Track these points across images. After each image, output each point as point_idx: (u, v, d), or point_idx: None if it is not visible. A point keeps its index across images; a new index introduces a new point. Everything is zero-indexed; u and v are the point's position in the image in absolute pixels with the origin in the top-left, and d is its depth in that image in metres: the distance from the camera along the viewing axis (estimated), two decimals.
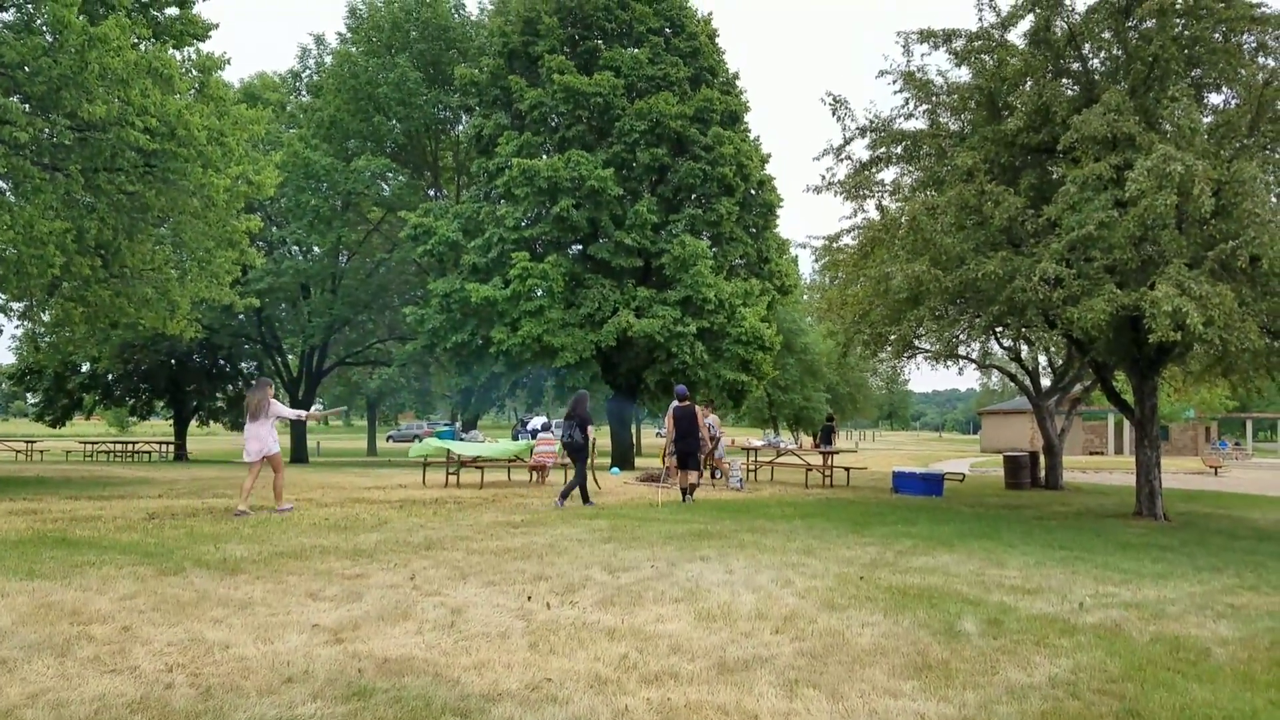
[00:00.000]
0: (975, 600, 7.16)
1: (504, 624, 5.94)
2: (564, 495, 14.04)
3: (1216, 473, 32.92)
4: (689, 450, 15.24)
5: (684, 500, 15.09)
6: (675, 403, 15.50)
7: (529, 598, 6.74)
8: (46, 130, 15.52)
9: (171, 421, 41.61)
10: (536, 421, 19.74)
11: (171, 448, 37.35)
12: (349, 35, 34.52)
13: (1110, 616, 6.81)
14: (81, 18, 13.97)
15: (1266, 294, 11.67)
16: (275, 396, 12.53)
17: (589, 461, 15.01)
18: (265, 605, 6.25)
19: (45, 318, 22.65)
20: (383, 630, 5.68)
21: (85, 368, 36.98)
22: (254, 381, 13.29)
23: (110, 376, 37.06)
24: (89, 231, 15.85)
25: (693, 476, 15.48)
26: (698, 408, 16.10)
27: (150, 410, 41.99)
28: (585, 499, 14.26)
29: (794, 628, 6.05)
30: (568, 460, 15.94)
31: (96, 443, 36.01)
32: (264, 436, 12.13)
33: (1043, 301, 11.90)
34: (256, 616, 5.93)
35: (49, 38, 14.36)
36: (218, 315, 31.49)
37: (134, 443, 37.04)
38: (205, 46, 18.18)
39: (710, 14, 29.86)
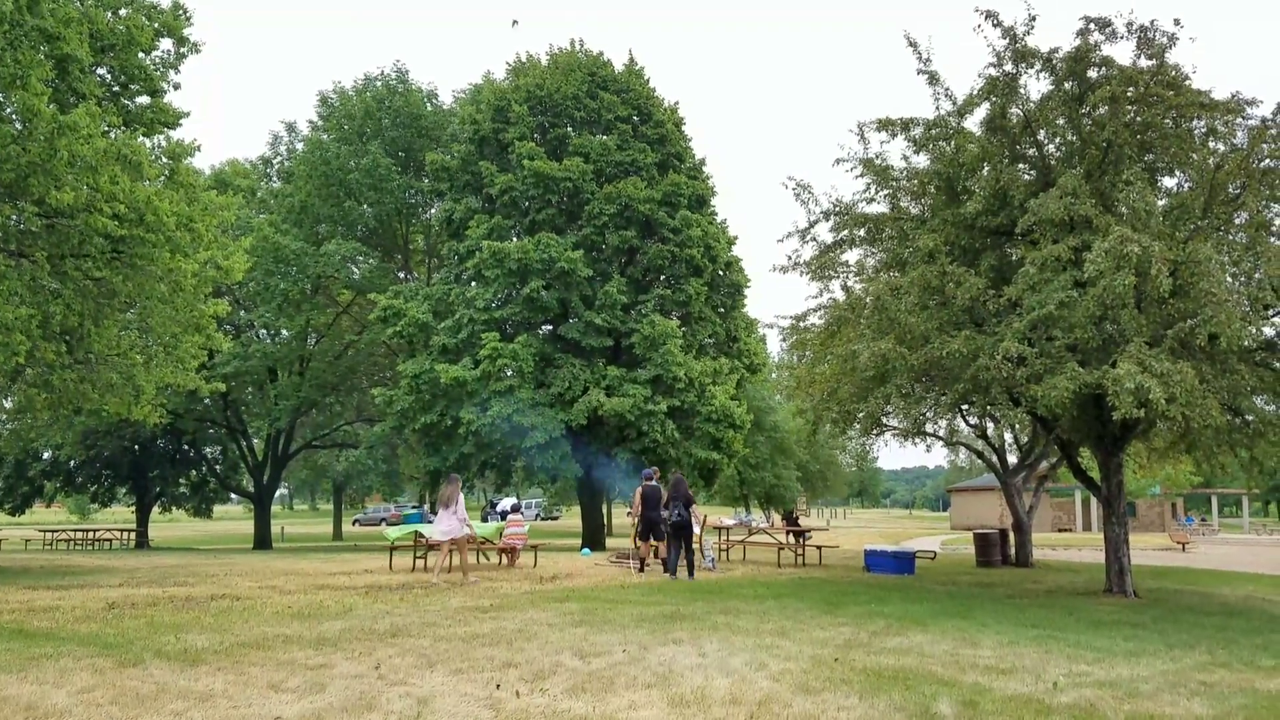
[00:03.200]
0: (950, 681, 7.10)
1: (472, 714, 5.81)
2: (691, 570, 15.73)
3: (1184, 548, 33.02)
4: (654, 521, 16.33)
5: (662, 571, 15.98)
6: (643, 484, 16.57)
7: (498, 686, 6.60)
8: (14, 217, 15.52)
9: (134, 508, 40.84)
10: (506, 503, 19.53)
11: (133, 535, 36.50)
12: (321, 123, 34.95)
13: (1084, 696, 6.78)
14: (51, 106, 14.07)
15: (1225, 371, 11.91)
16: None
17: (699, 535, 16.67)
18: (226, 698, 6.08)
19: (7, 404, 22.33)
20: None
21: (47, 454, 36.38)
22: (449, 476, 16.38)
23: (72, 463, 36.45)
24: (55, 317, 15.74)
25: (663, 549, 16.39)
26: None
27: (112, 497, 41.25)
28: (673, 571, 15.58)
29: (769, 713, 5.97)
30: (537, 543, 16.49)
31: (56, 530, 35.10)
32: (452, 522, 14.64)
33: (1006, 379, 12.06)
34: (217, 709, 5.77)
35: (18, 125, 14.43)
36: (183, 400, 31.15)
37: (94, 530, 36.18)
38: (175, 134, 18.32)
39: (677, 103, 30.62)
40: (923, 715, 6.02)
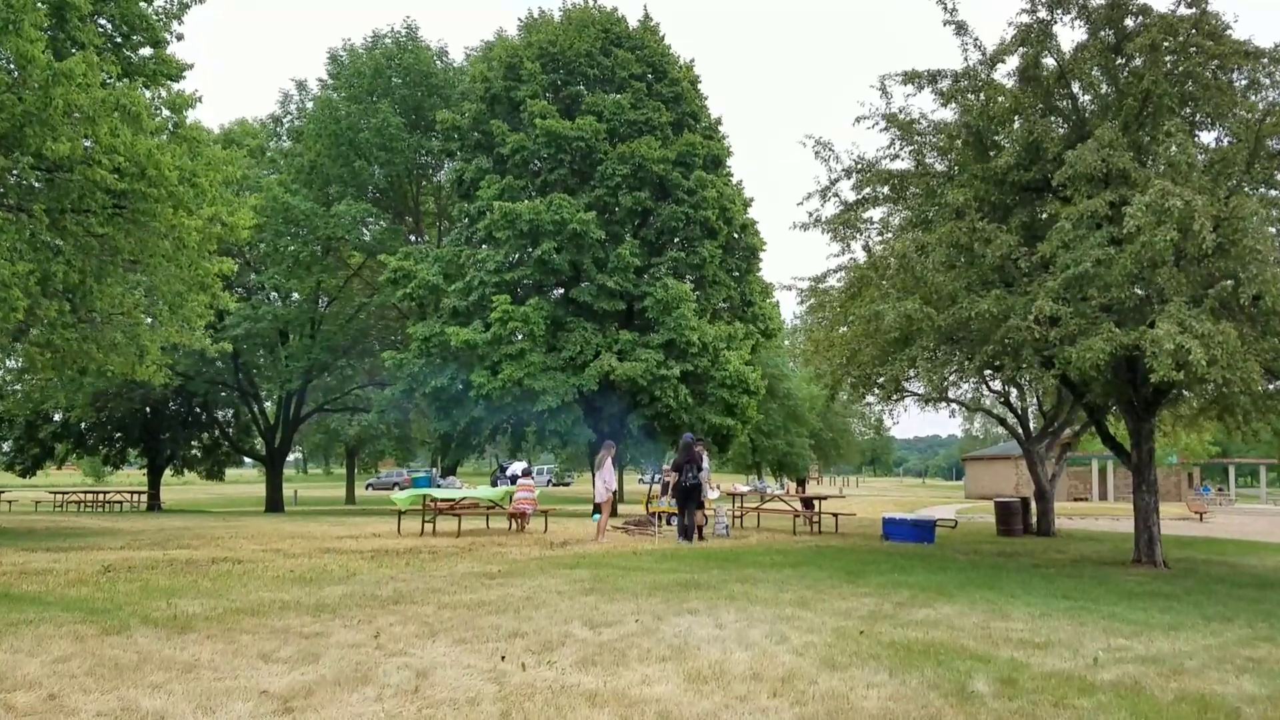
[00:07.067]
0: (984, 656, 6.68)
1: (474, 688, 5.41)
2: (694, 533, 15.87)
3: (1201, 518, 32.54)
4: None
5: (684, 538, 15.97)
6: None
7: (503, 657, 6.21)
8: (13, 171, 15.08)
9: (145, 470, 40.75)
10: (516, 467, 19.23)
11: (144, 497, 36.42)
12: (330, 81, 34.33)
13: (1127, 673, 6.36)
14: (47, 54, 13.59)
15: (1267, 333, 11.34)
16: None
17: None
18: (212, 668, 5.70)
19: (11, 364, 22.00)
20: (338, 697, 5.14)
21: (58, 416, 36.22)
22: (606, 442, 17.89)
23: (83, 425, 36.28)
24: (56, 274, 15.36)
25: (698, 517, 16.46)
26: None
27: (124, 459, 41.17)
28: (689, 536, 15.77)
29: (793, 690, 5.55)
30: (547, 508, 16.45)
31: (67, 493, 35.05)
32: (608, 482, 16.47)
33: (1038, 341, 11.54)
34: (200, 681, 5.38)
35: (14, 72, 13.96)
36: (194, 362, 30.90)
37: (105, 492, 36.12)
38: (179, 86, 17.82)
39: (692, 60, 29.92)
40: (959, 694, 5.59)
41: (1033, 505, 21.78)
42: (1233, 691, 5.97)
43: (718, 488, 17.87)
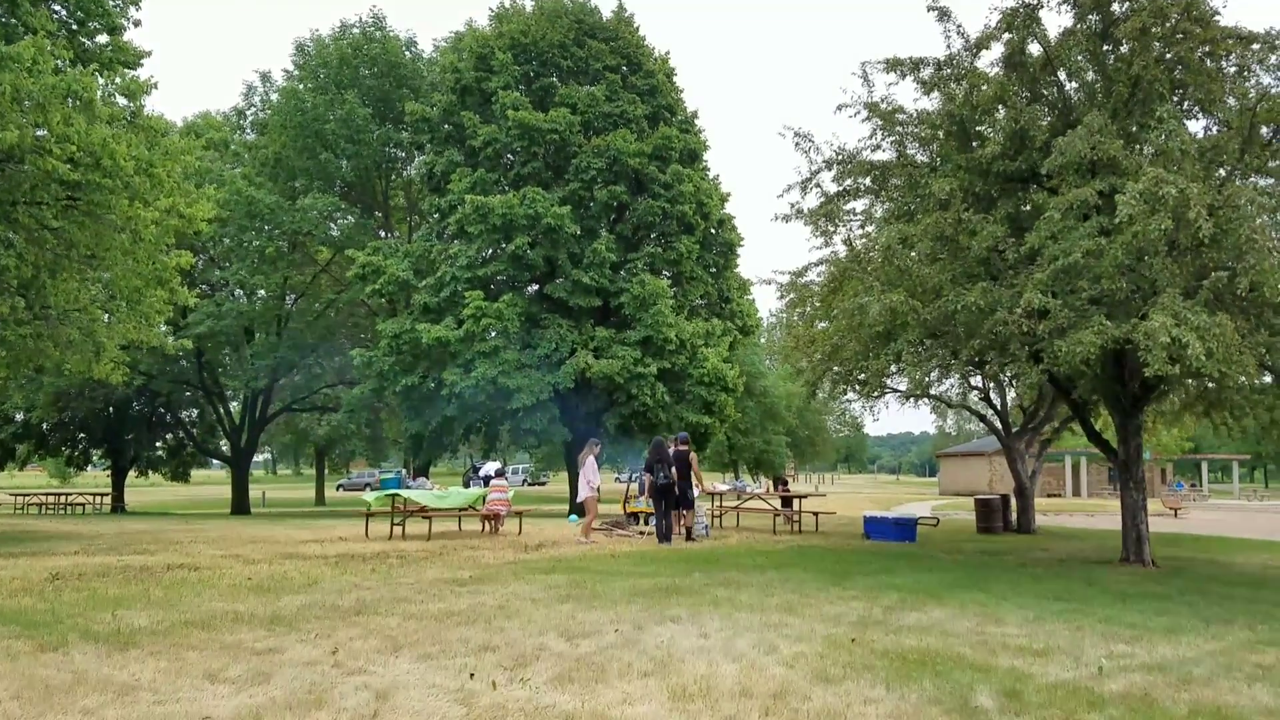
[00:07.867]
0: (983, 666, 6.29)
1: (439, 711, 4.94)
2: (672, 534, 15.55)
3: (1176, 514, 32.51)
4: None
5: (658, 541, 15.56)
6: (677, 447, 16.37)
7: (471, 675, 5.73)
8: None
9: (109, 471, 39.88)
10: (490, 467, 18.66)
11: (108, 499, 35.52)
12: (296, 72, 33.56)
13: (1135, 682, 6.00)
14: None
15: (1261, 325, 11.05)
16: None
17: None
18: (152, 690, 5.19)
19: None
20: None
21: (19, 416, 35.33)
22: (590, 440, 17.21)
23: (44, 425, 35.41)
24: (8, 269, 14.71)
25: (689, 517, 16.26)
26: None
27: (87, 460, 40.28)
28: (669, 538, 15.44)
29: (786, 707, 5.12)
30: (521, 509, 15.96)
31: (28, 494, 34.10)
32: (588, 481, 16.05)
33: (1026, 335, 11.20)
34: (138, 706, 4.88)
35: None
36: (156, 360, 30.13)
37: (67, 494, 35.20)
38: (135, 74, 17.17)
39: (668, 52, 29.51)
40: (962, 709, 5.20)
41: (1013, 502, 21.53)
42: (1247, 703, 5.64)
43: (699, 486, 17.33)
